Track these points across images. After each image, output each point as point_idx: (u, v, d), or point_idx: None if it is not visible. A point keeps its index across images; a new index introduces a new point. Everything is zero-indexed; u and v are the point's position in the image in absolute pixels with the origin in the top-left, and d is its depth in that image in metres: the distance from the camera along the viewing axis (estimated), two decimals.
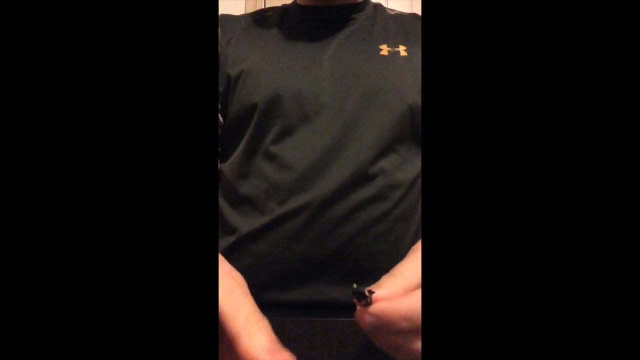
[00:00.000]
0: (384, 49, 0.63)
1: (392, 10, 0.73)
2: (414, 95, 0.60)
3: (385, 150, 0.58)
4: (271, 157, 0.58)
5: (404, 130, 0.60)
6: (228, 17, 0.70)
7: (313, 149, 0.57)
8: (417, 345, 0.27)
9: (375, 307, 0.26)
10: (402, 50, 0.63)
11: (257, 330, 0.25)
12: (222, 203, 0.63)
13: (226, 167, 0.63)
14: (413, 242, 0.58)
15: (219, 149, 0.65)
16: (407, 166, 0.60)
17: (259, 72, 0.61)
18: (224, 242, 0.61)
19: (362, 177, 0.56)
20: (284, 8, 0.72)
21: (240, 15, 0.72)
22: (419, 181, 0.61)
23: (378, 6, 0.72)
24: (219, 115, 0.64)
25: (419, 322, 0.26)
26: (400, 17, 0.71)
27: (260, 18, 0.70)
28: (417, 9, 1.97)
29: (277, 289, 0.56)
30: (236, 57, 0.64)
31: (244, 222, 0.59)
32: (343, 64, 0.61)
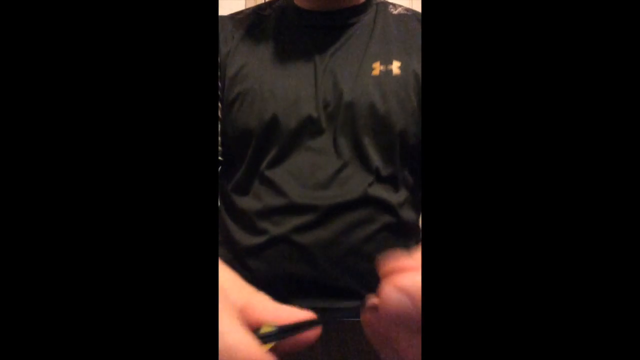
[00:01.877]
0: (376, 68, 0.62)
1: (397, 7, 0.70)
2: (403, 120, 0.61)
3: (376, 176, 0.61)
4: (266, 182, 0.62)
5: (394, 156, 0.62)
6: (225, 22, 0.68)
7: (305, 176, 0.60)
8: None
9: (408, 279, 0.21)
10: (395, 67, 0.63)
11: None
12: (225, 216, 0.67)
13: (230, 186, 0.66)
14: None
15: (223, 168, 0.67)
16: (396, 190, 0.63)
17: (254, 95, 0.62)
18: (226, 251, 0.66)
19: (352, 203, 0.60)
20: (282, 9, 0.69)
21: (238, 17, 0.70)
22: (407, 204, 0.64)
23: (380, 6, 0.69)
24: (219, 135, 0.65)
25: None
26: (402, 18, 0.68)
27: (257, 21, 0.68)
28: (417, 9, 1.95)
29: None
30: (232, 75, 0.64)
31: (242, 237, 0.63)
32: (336, 86, 0.62)
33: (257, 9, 0.70)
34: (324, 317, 0.24)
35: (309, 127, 0.61)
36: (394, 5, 0.70)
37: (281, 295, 0.61)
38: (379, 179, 0.61)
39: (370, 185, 0.60)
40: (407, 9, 0.70)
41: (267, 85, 0.62)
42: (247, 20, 0.69)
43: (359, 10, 0.66)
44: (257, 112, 0.61)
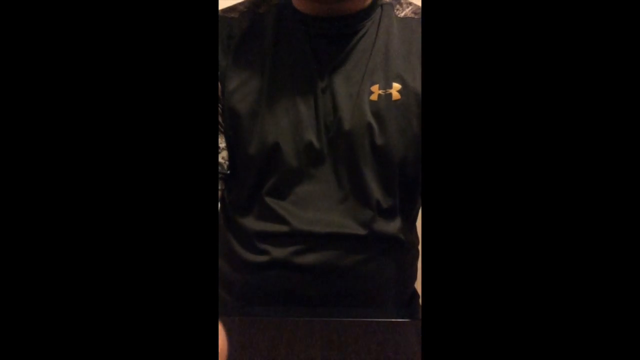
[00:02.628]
0: (375, 92, 0.60)
1: (404, 8, 0.65)
2: (403, 149, 0.61)
3: (377, 210, 0.61)
4: (266, 208, 0.62)
5: (393, 186, 0.62)
6: (220, 26, 0.64)
7: (307, 205, 0.61)
8: None
9: None
10: (394, 91, 0.60)
11: None
12: (225, 229, 0.67)
13: (230, 201, 0.67)
14: (391, 279, 0.65)
15: (227, 185, 0.67)
16: (392, 219, 0.63)
17: (254, 117, 0.61)
18: (227, 262, 0.67)
19: (349, 233, 0.61)
20: (279, 9, 0.64)
21: (232, 16, 0.65)
22: (403, 225, 0.65)
23: (386, 8, 0.64)
24: (226, 151, 0.65)
25: None
26: (407, 24, 0.63)
27: (253, 24, 0.64)
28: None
29: (263, 308, 0.64)
30: (232, 90, 0.62)
31: (243, 252, 0.64)
32: (335, 110, 0.60)
33: (253, 6, 0.66)
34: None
35: (311, 155, 0.60)
36: (401, 4, 0.66)
37: (277, 307, 0.60)
38: (380, 212, 0.62)
39: (371, 220, 0.61)
40: (415, 11, 0.65)
41: (267, 106, 0.60)
42: (243, 22, 0.65)
43: (362, 16, 0.62)
44: (258, 136, 0.60)
